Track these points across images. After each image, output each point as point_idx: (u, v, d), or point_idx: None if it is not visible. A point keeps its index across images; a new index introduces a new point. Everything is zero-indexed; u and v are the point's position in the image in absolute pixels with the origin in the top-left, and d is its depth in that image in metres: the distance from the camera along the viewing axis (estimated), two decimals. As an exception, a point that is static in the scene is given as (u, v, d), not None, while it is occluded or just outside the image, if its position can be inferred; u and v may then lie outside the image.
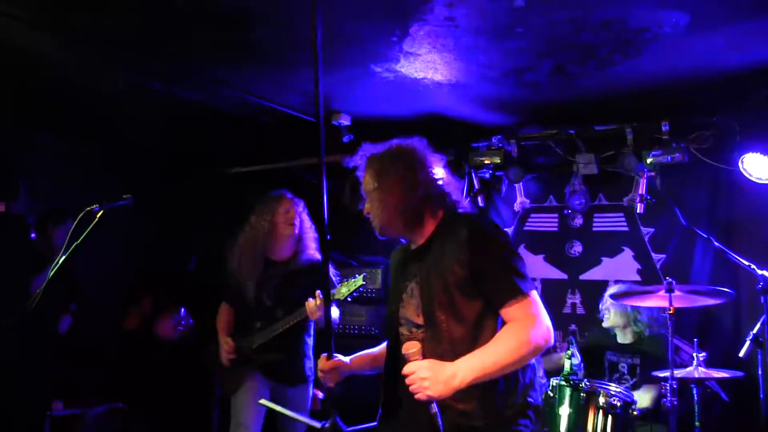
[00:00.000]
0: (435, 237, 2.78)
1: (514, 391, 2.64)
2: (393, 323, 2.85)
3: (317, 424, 2.76)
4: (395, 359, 2.77)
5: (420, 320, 2.73)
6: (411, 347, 2.48)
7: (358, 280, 4.24)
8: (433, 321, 2.66)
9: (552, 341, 2.60)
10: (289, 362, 4.54)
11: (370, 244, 6.28)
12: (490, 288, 2.61)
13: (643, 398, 4.56)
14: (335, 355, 2.89)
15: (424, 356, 2.55)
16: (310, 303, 4.24)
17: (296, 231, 4.63)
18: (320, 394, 4.93)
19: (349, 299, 4.27)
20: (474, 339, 2.56)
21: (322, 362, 2.89)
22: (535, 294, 2.62)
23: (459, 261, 2.62)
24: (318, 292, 4.23)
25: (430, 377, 2.42)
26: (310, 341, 4.66)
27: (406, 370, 2.46)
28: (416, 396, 2.44)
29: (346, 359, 2.96)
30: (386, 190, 2.79)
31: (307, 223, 4.72)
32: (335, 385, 2.92)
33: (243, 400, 4.47)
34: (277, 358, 4.49)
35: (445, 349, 2.59)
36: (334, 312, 4.44)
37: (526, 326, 2.54)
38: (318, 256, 4.67)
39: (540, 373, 2.83)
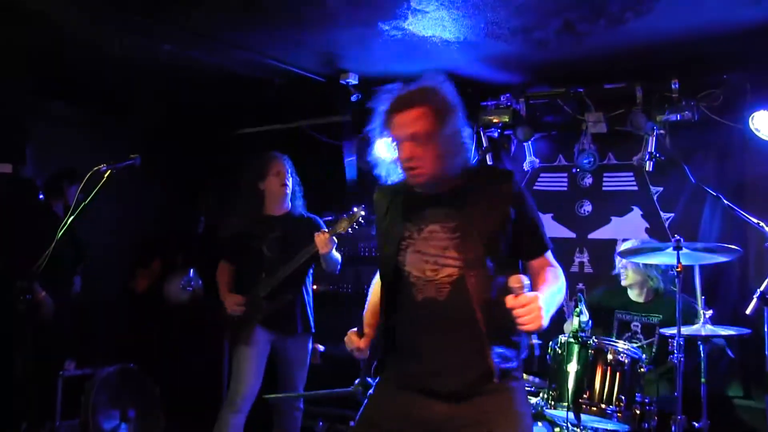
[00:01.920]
0: (467, 186, 2.76)
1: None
2: (393, 266, 2.78)
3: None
4: (403, 303, 2.77)
5: (450, 261, 2.70)
6: (519, 281, 2.47)
7: (358, 212, 4.42)
8: (479, 267, 2.66)
9: None
10: (290, 312, 4.72)
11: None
12: (528, 240, 2.81)
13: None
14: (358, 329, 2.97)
15: (467, 300, 2.63)
16: (320, 236, 4.48)
17: (287, 190, 4.86)
18: (320, 348, 5.10)
19: (350, 231, 4.46)
20: None
21: (355, 340, 2.93)
22: None
23: (505, 213, 2.73)
24: (324, 229, 4.56)
25: (542, 308, 2.44)
26: (309, 297, 4.87)
27: (523, 301, 2.44)
28: (528, 327, 2.44)
29: (367, 330, 2.99)
30: (446, 137, 2.69)
31: (294, 179, 4.95)
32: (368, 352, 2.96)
33: (244, 354, 4.66)
34: (279, 308, 4.66)
35: (491, 295, 2.64)
36: (337, 255, 4.70)
37: (561, 273, 2.82)
38: (304, 212, 4.94)
39: None
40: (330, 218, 4.67)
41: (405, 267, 2.76)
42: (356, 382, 3.04)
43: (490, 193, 2.76)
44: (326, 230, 4.53)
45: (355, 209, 4.44)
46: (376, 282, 3.08)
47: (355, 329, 2.94)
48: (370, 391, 2.94)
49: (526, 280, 2.47)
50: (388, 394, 2.83)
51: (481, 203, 2.73)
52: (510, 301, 2.46)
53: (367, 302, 3.10)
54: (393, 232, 2.82)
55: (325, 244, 4.49)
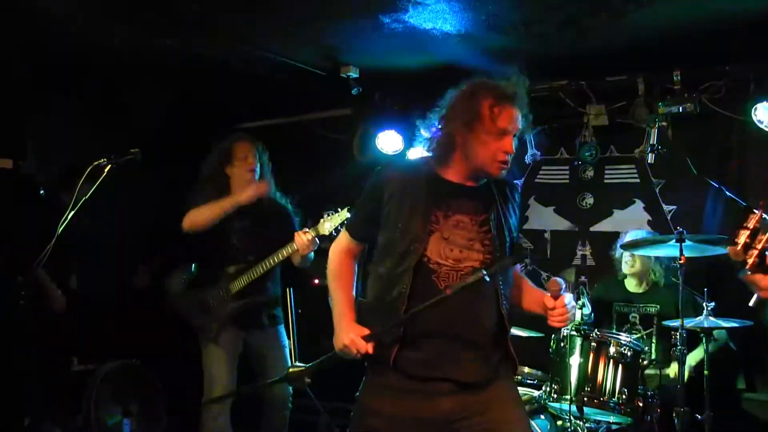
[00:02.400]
0: (490, 186, 2.82)
1: None
2: (416, 250, 2.68)
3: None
4: (424, 291, 2.64)
5: (474, 253, 2.69)
6: (557, 284, 2.66)
7: (343, 213, 4.21)
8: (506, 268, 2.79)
9: None
10: (260, 307, 4.57)
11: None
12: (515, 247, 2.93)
13: (695, 355, 4.63)
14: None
15: (494, 292, 2.72)
16: (302, 237, 4.28)
17: (255, 176, 4.60)
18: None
19: (334, 234, 4.14)
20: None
21: (363, 346, 2.70)
22: None
23: (519, 218, 2.92)
24: (305, 229, 4.34)
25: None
26: (278, 287, 4.71)
27: (562, 303, 2.65)
28: (561, 324, 2.70)
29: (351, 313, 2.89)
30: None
31: (268, 166, 4.73)
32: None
33: (217, 355, 4.50)
34: (248, 304, 4.51)
35: (513, 293, 2.86)
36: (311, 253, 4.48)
37: None
38: (280, 200, 4.72)
39: None
40: (331, 211, 4.61)
41: (425, 252, 2.68)
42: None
43: (510, 198, 2.87)
44: (308, 230, 4.31)
45: (340, 210, 4.26)
46: (345, 265, 2.98)
47: (369, 335, 2.72)
48: (359, 394, 2.85)
49: (563, 283, 2.65)
50: (384, 397, 2.74)
51: (505, 204, 2.82)
52: (550, 301, 2.66)
53: (337, 288, 2.96)
54: (417, 213, 2.71)
55: (308, 246, 4.31)
